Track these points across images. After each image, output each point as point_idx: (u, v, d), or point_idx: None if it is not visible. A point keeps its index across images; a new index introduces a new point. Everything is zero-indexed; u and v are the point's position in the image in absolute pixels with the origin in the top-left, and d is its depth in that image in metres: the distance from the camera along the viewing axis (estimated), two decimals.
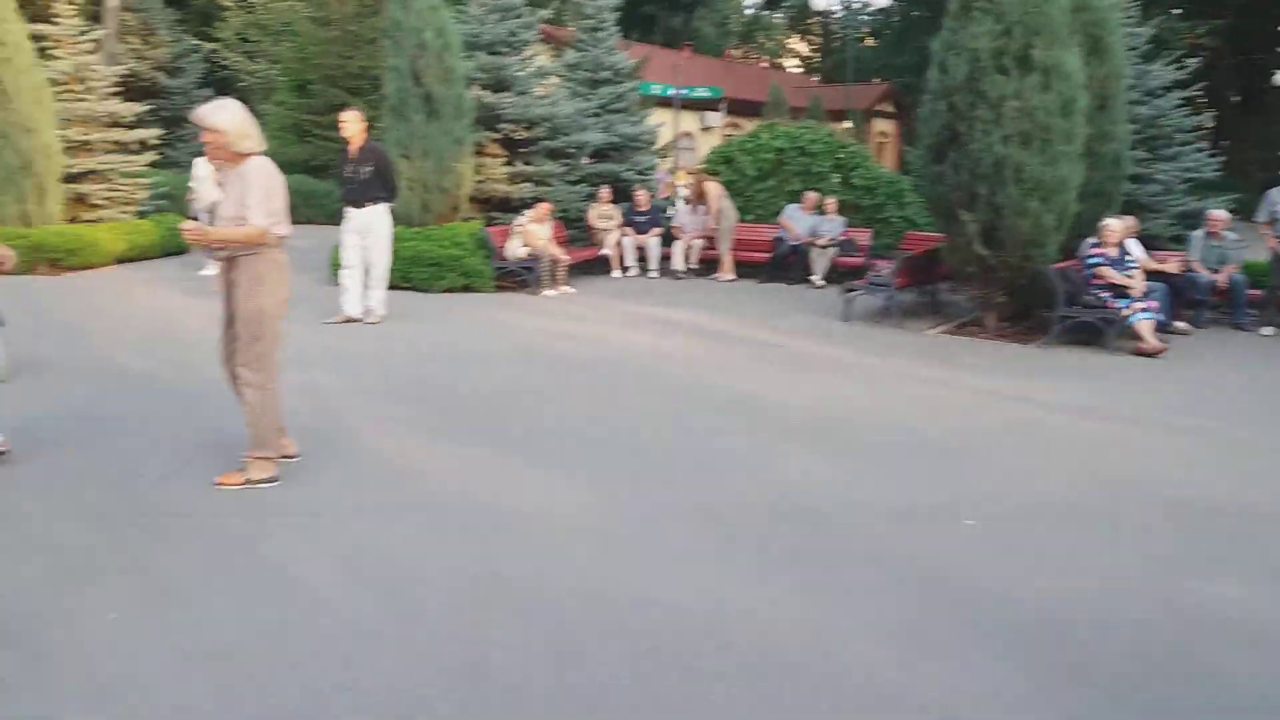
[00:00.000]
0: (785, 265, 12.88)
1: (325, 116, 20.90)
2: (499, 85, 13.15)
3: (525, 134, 13.23)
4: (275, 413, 4.52)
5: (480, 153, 12.77)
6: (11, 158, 11.49)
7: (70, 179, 12.86)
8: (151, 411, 5.77)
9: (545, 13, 13.95)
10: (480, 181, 12.73)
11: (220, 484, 4.46)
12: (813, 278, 12.60)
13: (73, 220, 12.91)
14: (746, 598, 3.51)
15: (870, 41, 47.66)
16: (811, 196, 13.05)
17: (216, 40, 27.09)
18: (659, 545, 3.99)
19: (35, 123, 11.77)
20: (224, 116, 4.26)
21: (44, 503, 4.23)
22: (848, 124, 30.87)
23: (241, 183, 4.29)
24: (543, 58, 14.90)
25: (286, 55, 24.02)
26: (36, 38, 12.60)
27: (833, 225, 12.81)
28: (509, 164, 13.20)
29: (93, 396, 6.07)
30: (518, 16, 13.42)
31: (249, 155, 4.34)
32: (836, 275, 12.36)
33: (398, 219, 9.88)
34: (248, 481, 4.47)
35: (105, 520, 4.06)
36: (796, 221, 12.96)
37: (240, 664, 2.95)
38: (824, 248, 12.63)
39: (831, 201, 12.95)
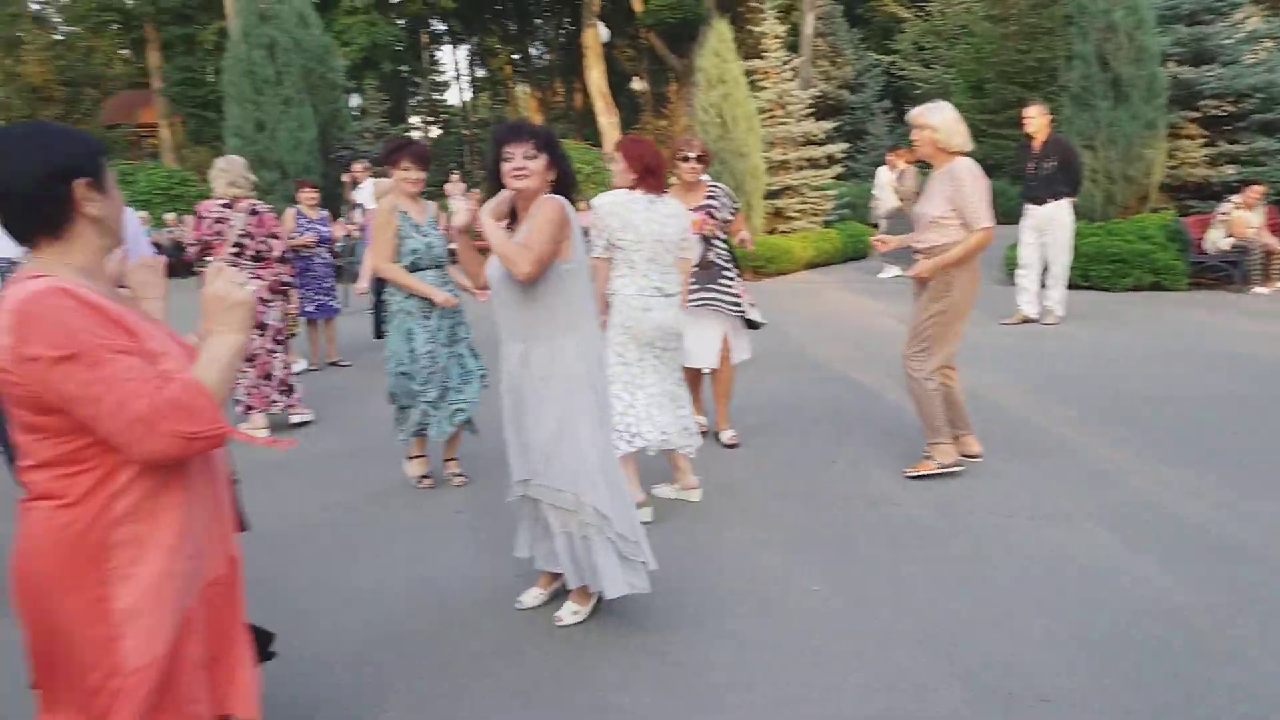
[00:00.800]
0: None
1: (999, 114, 20.74)
2: (1199, 58, 11.73)
3: (1231, 109, 11.60)
4: (938, 403, 4.61)
5: (1174, 135, 11.53)
6: (728, 180, 13.36)
7: (770, 195, 14.57)
8: (841, 401, 6.29)
9: None
10: (1173, 167, 11.51)
11: (910, 474, 4.69)
12: None
13: (770, 232, 14.61)
14: None
15: None
16: None
17: (894, 53, 28.43)
18: None
19: (747, 148, 13.57)
20: (935, 115, 4.49)
21: (758, 480, 4.85)
22: None
23: (950, 182, 4.43)
24: (1255, 20, 12.92)
25: (962, 57, 24.28)
26: (748, 72, 14.51)
27: None
28: (1209, 144, 11.70)
29: (792, 387, 6.81)
30: None
31: (956, 154, 4.48)
32: None
33: (1078, 213, 9.38)
34: (940, 467, 4.63)
35: (809, 500, 4.52)
36: None
37: (935, 650, 3.05)
38: None
39: None
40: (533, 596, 3.52)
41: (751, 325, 5.38)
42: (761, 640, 3.18)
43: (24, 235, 1.73)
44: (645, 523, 4.28)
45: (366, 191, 10.91)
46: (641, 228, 4.21)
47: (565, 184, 3.21)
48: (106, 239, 1.79)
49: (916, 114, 4.56)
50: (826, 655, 3.06)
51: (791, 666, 3.00)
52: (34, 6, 33.70)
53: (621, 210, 4.24)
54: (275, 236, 5.99)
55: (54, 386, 1.61)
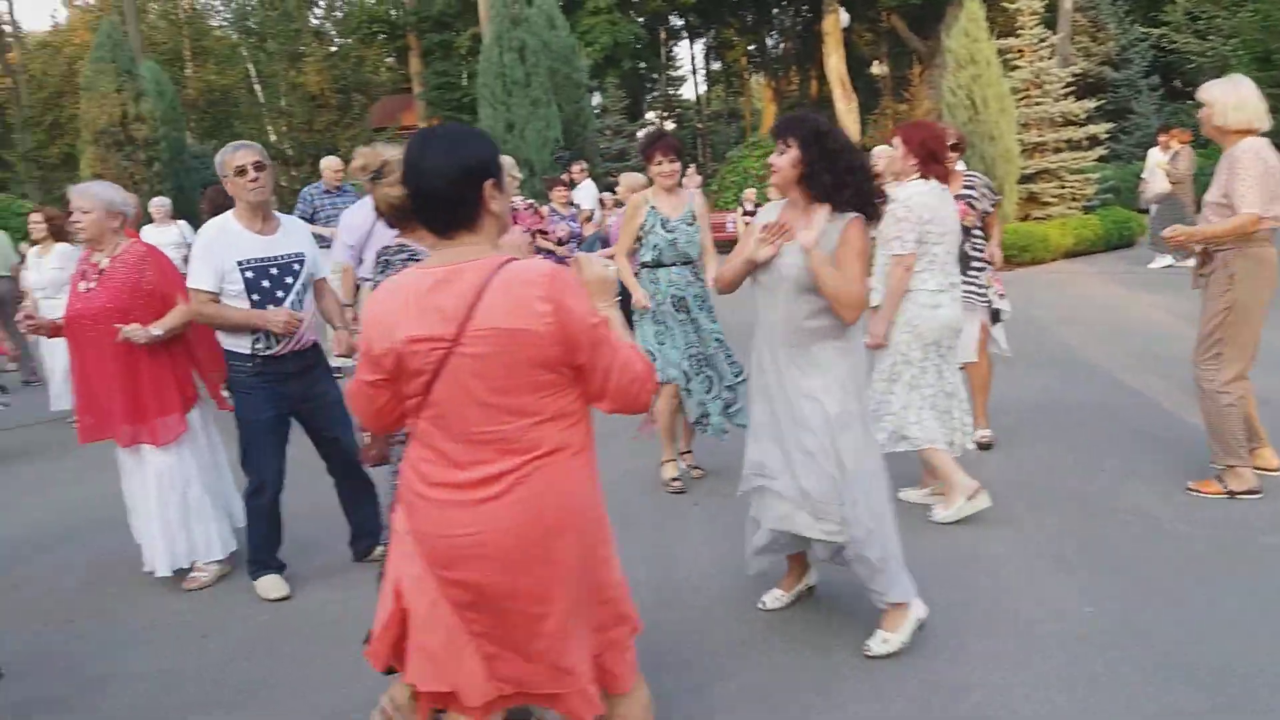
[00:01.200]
0: None
1: None
2: None
3: None
4: (1236, 421, 4.09)
5: None
6: (976, 164, 12.69)
7: (1023, 179, 13.69)
8: (1107, 404, 5.79)
9: None
10: None
11: (1194, 489, 4.22)
12: None
13: (1024, 219, 13.74)
14: None
15: None
16: None
17: (1164, 24, 25.99)
18: None
19: (999, 130, 12.82)
20: (1214, 90, 4.01)
21: (1016, 487, 4.53)
22: None
23: (1229, 165, 3.95)
24: None
25: (1245, 26, 21.85)
26: (1000, 51, 13.69)
27: None
28: None
29: (1051, 386, 6.34)
30: None
31: (1242, 134, 3.98)
32: None
33: None
34: (1229, 493, 4.13)
35: (1073, 511, 4.18)
36: None
37: (1220, 690, 2.72)
38: None
39: None
40: (774, 598, 3.44)
41: (995, 317, 5.08)
42: (1023, 662, 2.96)
43: (444, 228, 1.97)
44: (971, 514, 4.09)
45: (585, 192, 11.13)
46: (948, 219, 4.01)
47: (817, 172, 2.95)
48: (500, 231, 2.06)
49: (1200, 90, 4.09)
50: (1096, 685, 2.80)
51: (1056, 694, 2.77)
52: (314, 22, 37.02)
53: (933, 201, 4.00)
54: (544, 232, 6.23)
55: (584, 347, 1.91)
